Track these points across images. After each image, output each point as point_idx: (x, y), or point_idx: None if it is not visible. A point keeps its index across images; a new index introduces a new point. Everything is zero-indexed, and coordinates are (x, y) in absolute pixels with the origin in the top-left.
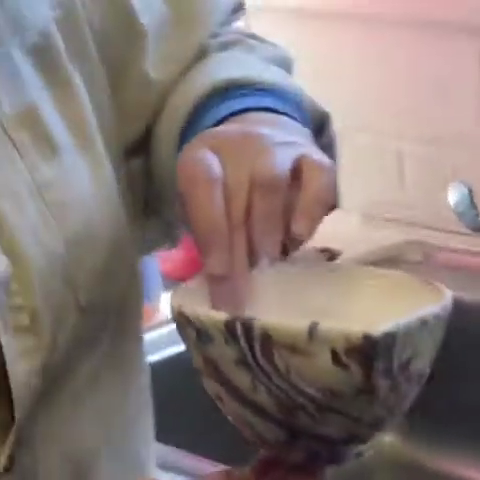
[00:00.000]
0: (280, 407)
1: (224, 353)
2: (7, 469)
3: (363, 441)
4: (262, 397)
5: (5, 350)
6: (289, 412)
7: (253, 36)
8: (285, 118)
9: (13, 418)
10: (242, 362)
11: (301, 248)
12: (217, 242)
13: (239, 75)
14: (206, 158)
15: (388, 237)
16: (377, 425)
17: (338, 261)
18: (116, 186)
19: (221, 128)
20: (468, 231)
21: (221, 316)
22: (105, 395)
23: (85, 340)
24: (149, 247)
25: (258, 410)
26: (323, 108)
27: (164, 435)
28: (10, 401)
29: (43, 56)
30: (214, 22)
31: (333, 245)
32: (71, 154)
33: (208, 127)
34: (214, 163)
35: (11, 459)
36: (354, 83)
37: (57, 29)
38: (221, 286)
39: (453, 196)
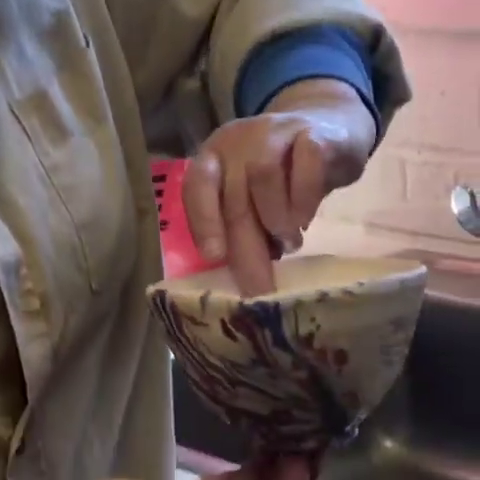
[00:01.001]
0: (204, 381)
1: (159, 326)
2: (19, 452)
3: (307, 425)
4: (190, 370)
5: (17, 335)
6: (211, 387)
7: None
8: (321, 84)
9: (26, 400)
10: (169, 334)
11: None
12: (208, 229)
13: (280, 23)
14: (203, 161)
15: (391, 246)
16: (306, 408)
17: None
18: (125, 171)
19: (223, 127)
20: (471, 238)
21: (150, 290)
22: (114, 379)
23: (94, 323)
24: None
25: (197, 386)
26: (376, 19)
27: (181, 435)
28: (23, 383)
29: (55, 36)
30: None
31: (336, 254)
32: (80, 138)
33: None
34: (210, 164)
35: (23, 442)
36: None
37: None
38: (241, 275)
39: (456, 203)
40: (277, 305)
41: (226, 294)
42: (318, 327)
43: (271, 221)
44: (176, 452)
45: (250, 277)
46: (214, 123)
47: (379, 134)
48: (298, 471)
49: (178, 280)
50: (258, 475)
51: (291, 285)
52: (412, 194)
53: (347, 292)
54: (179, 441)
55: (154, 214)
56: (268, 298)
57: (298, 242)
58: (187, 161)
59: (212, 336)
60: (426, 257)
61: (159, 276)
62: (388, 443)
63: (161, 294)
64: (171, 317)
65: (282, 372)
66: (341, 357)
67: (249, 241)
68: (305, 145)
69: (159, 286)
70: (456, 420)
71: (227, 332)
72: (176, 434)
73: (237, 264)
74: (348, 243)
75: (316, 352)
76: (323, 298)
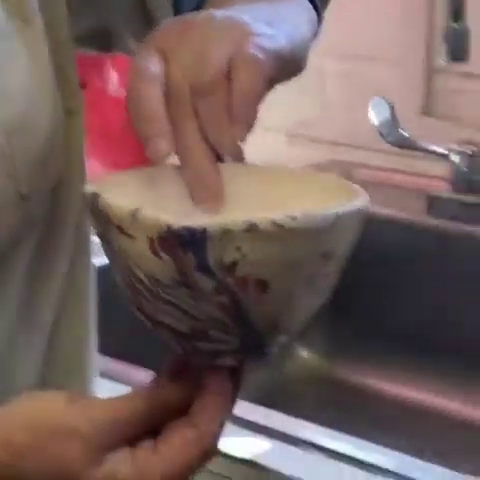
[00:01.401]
0: (130, 291)
1: (93, 226)
2: None
3: (227, 345)
4: (118, 277)
5: None
6: (136, 297)
7: None
8: None
9: None
10: (100, 235)
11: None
12: (154, 128)
13: None
14: (145, 61)
15: (312, 156)
16: (225, 330)
17: None
18: (53, 72)
19: (163, 26)
20: (390, 148)
21: (87, 190)
22: (42, 287)
23: (22, 230)
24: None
25: (125, 292)
26: None
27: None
28: None
29: None
30: None
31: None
32: (8, 38)
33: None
34: (152, 65)
35: None
36: None
37: None
38: (188, 171)
39: (375, 114)
40: (204, 231)
41: (157, 212)
42: (243, 256)
43: (212, 133)
44: (98, 361)
45: (198, 174)
46: (147, 19)
47: (320, 23)
48: (218, 383)
49: (124, 174)
50: (177, 379)
51: (237, 193)
52: (332, 104)
53: (277, 225)
54: (101, 350)
55: (81, 114)
56: (196, 223)
57: (239, 157)
58: (106, 68)
59: (139, 250)
60: (346, 168)
61: (84, 179)
62: (304, 353)
63: (95, 197)
64: (103, 221)
65: (203, 295)
66: (262, 286)
67: (196, 136)
68: (244, 59)
69: (101, 183)
70: (373, 330)
71: (153, 250)
72: (98, 343)
73: (184, 159)
74: (270, 154)
75: (238, 280)
76: (252, 229)
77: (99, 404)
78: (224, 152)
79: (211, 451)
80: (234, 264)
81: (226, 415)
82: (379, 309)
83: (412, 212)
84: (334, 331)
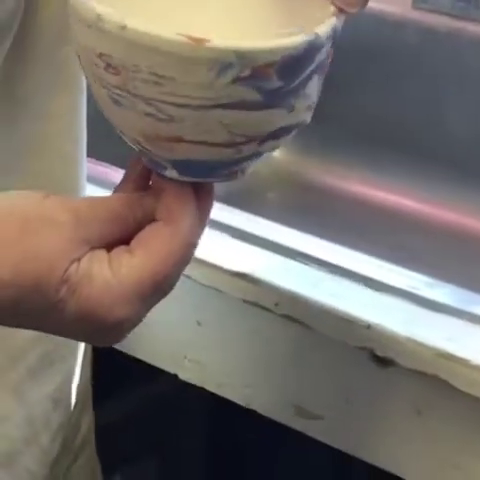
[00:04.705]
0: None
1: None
2: None
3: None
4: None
5: None
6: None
7: None
8: None
9: None
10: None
11: None
12: None
13: None
14: None
15: None
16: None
17: None
18: None
19: None
20: None
21: None
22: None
23: None
24: None
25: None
26: None
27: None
28: None
29: None
30: None
31: None
32: None
33: None
34: None
35: None
36: None
37: None
38: None
39: None
40: None
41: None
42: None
43: None
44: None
45: None
46: None
47: None
48: (172, 186)
49: None
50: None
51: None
52: None
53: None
54: (88, 155)
55: None
56: None
57: None
58: None
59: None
60: None
61: None
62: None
63: None
64: None
65: None
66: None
67: None
68: None
69: None
70: (346, 128)
71: None
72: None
73: None
74: None
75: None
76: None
77: (77, 199)
78: None
79: (191, 246)
80: None
81: (195, 212)
82: (355, 107)
83: (397, 6)
84: (307, 131)
